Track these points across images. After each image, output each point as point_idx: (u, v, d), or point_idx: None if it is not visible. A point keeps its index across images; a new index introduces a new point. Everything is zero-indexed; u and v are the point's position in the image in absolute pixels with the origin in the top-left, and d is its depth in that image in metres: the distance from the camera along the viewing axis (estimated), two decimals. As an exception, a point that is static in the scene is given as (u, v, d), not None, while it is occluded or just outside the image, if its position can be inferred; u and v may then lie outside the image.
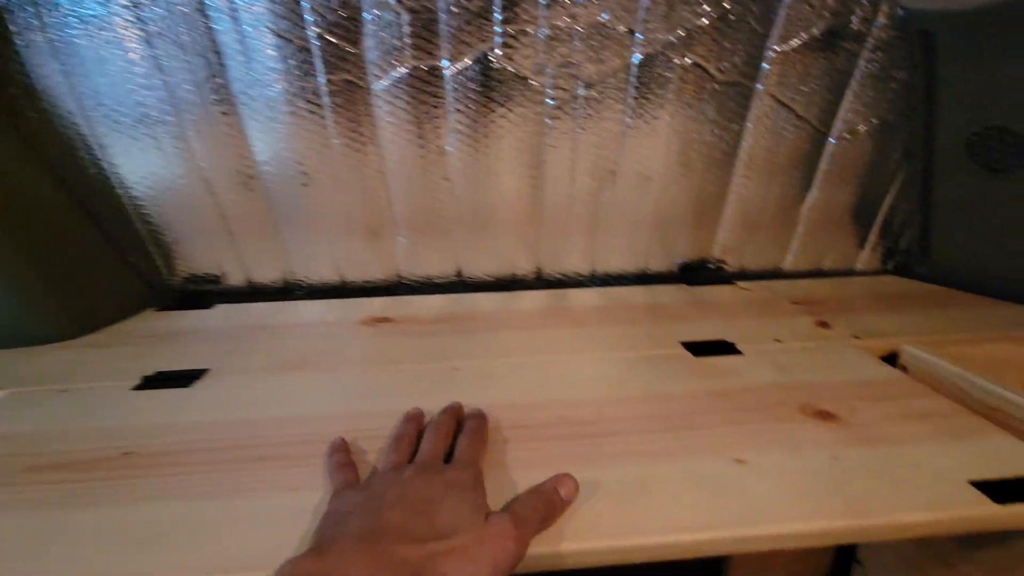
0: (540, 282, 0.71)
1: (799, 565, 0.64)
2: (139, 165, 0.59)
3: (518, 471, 0.34)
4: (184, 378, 0.46)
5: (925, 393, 0.42)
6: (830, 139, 0.64)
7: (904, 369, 0.48)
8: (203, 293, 0.68)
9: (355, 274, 0.69)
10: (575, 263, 0.71)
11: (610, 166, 0.63)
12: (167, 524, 0.30)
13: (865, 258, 0.74)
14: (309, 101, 0.55)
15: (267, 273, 0.68)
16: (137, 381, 0.46)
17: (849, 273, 0.74)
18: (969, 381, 0.42)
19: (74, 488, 0.33)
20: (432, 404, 0.41)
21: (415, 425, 0.38)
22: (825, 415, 0.39)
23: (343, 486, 0.32)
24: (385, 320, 0.61)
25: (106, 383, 0.46)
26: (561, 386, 0.45)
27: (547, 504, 0.30)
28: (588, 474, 0.33)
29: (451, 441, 0.36)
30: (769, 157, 0.65)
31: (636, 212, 0.67)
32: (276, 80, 0.54)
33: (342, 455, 0.35)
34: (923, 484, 0.32)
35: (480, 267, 0.70)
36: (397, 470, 0.32)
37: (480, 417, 0.39)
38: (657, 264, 0.72)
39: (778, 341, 0.52)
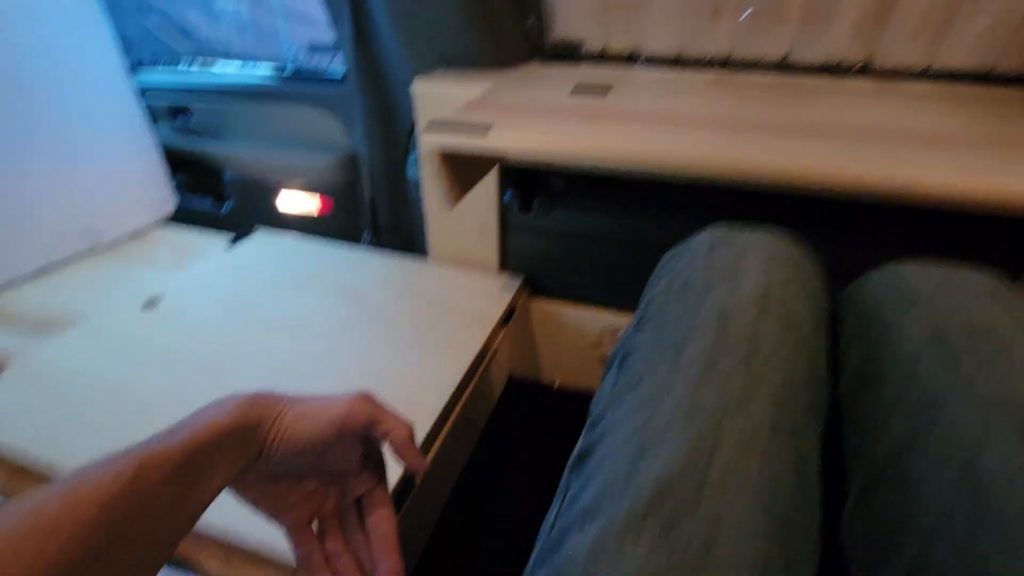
0: (867, 73, 0.76)
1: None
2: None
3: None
4: (599, 89, 0.67)
5: None
6: None
7: None
8: (569, 54, 0.88)
9: (691, 50, 0.82)
10: (913, 56, 0.73)
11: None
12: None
13: None
14: None
15: (618, 43, 0.85)
16: (570, 90, 0.68)
17: None
18: None
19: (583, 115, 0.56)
20: (783, 118, 0.55)
21: None
22: None
23: None
24: (722, 83, 0.74)
25: (550, 89, 0.69)
26: (892, 125, 0.55)
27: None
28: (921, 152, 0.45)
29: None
30: None
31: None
32: None
33: None
34: None
35: (809, 54, 0.77)
36: None
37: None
38: (1009, 63, 0.70)
39: None
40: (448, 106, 0.69)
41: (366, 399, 0.33)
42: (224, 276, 0.90)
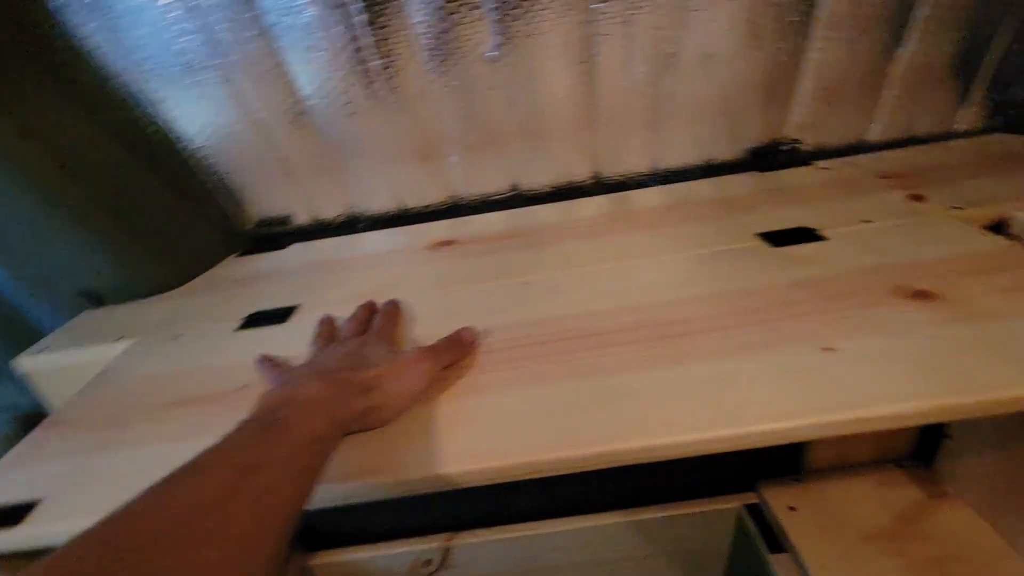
0: (599, 187, 0.69)
1: (883, 442, 0.64)
2: (195, 116, 0.60)
3: (603, 378, 0.35)
4: (279, 316, 0.50)
5: (1040, 262, 0.39)
6: (931, -23, 0.54)
7: (1016, 239, 0.44)
8: (275, 235, 0.71)
9: (413, 200, 0.70)
10: (634, 162, 0.67)
11: (669, 48, 0.57)
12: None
13: (967, 117, 0.65)
14: (341, 22, 0.53)
15: (330, 209, 0.70)
16: (239, 323, 0.50)
17: (948, 136, 0.66)
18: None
19: (203, 420, 0.38)
20: (507, 319, 0.43)
21: (328, 327, 0.45)
22: (923, 295, 0.37)
23: (281, 371, 0.40)
24: (449, 243, 0.62)
25: (212, 327, 0.51)
26: (634, 291, 0.45)
27: (452, 343, 0.39)
28: (672, 374, 0.34)
29: (366, 327, 0.43)
30: (854, 11, 0.57)
31: (699, 97, 0.62)
32: (307, 3, 0.52)
33: (269, 362, 0.42)
34: (1037, 358, 0.30)
35: (536, 178, 0.68)
36: (319, 349, 0.41)
37: (392, 303, 0.47)
38: (724, 152, 0.67)
39: (865, 221, 0.49)
40: (76, 382, 0.48)
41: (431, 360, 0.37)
42: None
